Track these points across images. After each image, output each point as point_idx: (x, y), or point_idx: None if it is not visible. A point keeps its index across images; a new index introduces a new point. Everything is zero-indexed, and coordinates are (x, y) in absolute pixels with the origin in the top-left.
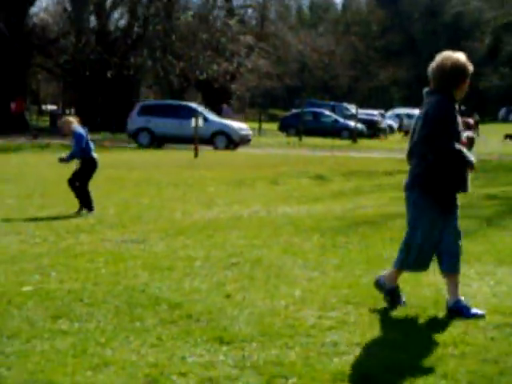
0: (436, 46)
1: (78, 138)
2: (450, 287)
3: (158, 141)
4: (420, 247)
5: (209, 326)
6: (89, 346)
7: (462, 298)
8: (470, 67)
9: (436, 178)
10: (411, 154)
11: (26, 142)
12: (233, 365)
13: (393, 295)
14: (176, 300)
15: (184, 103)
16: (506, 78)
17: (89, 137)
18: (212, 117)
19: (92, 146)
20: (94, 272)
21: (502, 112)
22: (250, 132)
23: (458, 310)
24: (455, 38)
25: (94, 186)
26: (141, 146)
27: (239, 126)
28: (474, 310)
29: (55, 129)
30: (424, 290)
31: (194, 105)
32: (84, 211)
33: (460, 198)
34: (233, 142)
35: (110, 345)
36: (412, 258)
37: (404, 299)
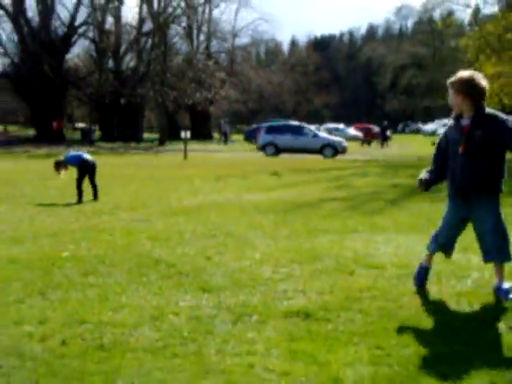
0: (354, 81)
1: (68, 160)
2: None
3: (279, 151)
4: (438, 232)
5: (195, 279)
6: (109, 294)
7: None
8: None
9: None
10: None
11: (63, 150)
12: (212, 307)
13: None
14: (171, 261)
15: (298, 124)
16: (402, 103)
17: (72, 151)
18: (321, 134)
19: (80, 154)
20: (113, 242)
21: (399, 127)
22: (347, 144)
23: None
24: (367, 75)
25: (111, 181)
26: (268, 155)
27: (340, 140)
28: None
29: (86, 141)
30: (346, 252)
31: (305, 125)
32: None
33: (372, 187)
34: (337, 151)
35: (124, 294)
36: (434, 242)
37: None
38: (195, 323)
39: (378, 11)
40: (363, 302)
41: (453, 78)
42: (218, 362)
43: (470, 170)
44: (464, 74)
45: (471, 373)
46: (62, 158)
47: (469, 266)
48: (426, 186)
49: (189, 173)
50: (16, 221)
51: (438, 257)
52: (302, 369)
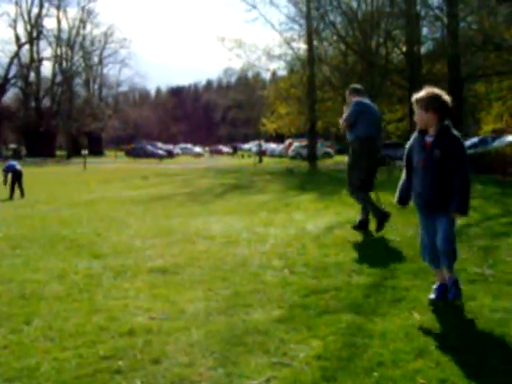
0: (198, 115)
1: (7, 167)
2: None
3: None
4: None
5: (89, 249)
6: (30, 261)
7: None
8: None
9: None
10: None
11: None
12: (100, 267)
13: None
14: (73, 237)
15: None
16: (229, 130)
17: (11, 161)
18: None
19: (14, 164)
20: (33, 226)
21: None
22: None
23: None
24: (206, 112)
25: (33, 183)
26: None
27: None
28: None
29: (15, 157)
30: (190, 229)
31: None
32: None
33: (207, 185)
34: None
35: (40, 260)
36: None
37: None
38: (88, 279)
39: (213, 70)
40: (201, 261)
41: (420, 95)
42: (104, 303)
43: (428, 184)
44: (434, 90)
45: (266, 302)
46: (4, 166)
47: (267, 236)
48: (405, 202)
49: (86, 178)
50: None
51: (245, 230)
52: (159, 306)
